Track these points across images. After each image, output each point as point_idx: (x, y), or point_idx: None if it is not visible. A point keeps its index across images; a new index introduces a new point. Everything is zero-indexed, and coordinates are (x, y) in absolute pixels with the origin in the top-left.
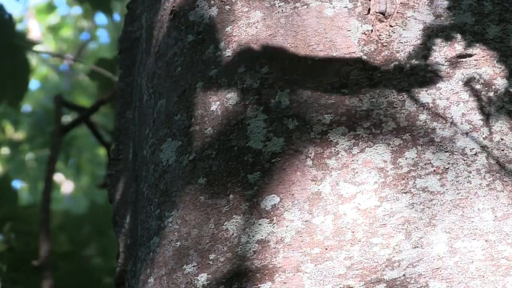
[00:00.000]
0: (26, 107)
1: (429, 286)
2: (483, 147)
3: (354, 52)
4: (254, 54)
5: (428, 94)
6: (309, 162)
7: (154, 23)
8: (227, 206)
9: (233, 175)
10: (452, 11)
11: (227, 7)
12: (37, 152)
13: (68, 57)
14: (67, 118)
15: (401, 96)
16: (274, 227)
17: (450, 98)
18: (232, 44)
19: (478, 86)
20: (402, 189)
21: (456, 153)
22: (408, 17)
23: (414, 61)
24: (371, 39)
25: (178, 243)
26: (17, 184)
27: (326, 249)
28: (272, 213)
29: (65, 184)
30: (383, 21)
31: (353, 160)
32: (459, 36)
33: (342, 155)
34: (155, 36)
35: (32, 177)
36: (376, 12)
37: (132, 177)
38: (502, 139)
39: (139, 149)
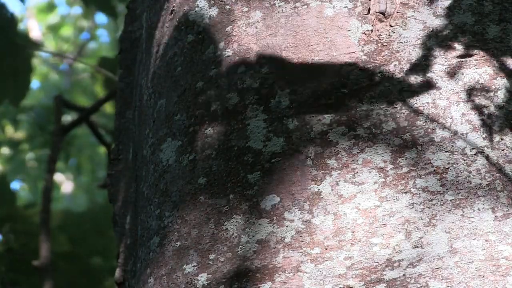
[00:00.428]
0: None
1: (429, 286)
2: (483, 147)
3: (354, 52)
4: (254, 54)
5: (428, 94)
6: (309, 162)
7: (154, 23)
8: (227, 206)
9: (233, 175)
10: (452, 11)
11: (227, 7)
12: (37, 151)
13: (68, 56)
14: (67, 118)
15: (401, 96)
16: (274, 227)
17: (450, 98)
18: (232, 44)
19: (478, 86)
20: (402, 189)
21: (456, 153)
22: (408, 17)
23: (414, 61)
24: (371, 39)
25: (178, 243)
26: (17, 184)
27: (326, 249)
28: (272, 213)
29: (65, 184)
30: (383, 21)
31: (353, 160)
32: (459, 36)
33: (342, 155)
34: (155, 36)
35: (32, 177)
36: (376, 12)
37: (132, 177)
38: (502, 139)
39: (139, 149)
